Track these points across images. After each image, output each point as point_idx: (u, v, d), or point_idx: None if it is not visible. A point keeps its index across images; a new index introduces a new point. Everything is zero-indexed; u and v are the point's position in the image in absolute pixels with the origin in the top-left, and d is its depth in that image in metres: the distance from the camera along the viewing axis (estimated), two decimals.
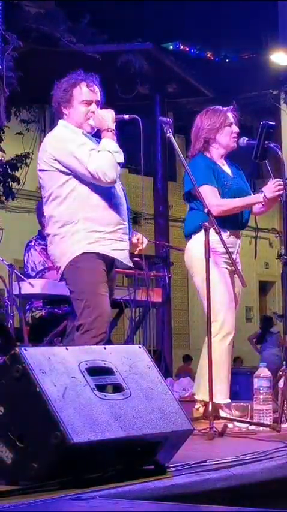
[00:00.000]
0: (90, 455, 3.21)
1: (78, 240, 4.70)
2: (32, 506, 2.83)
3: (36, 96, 13.32)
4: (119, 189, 4.84)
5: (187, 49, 14.03)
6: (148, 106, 13.25)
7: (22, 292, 6.15)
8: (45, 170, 4.77)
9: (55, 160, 4.71)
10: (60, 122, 4.88)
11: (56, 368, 3.32)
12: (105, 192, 4.73)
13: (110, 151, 4.66)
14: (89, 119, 4.81)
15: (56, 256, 4.80)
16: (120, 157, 4.69)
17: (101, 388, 3.40)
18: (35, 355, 3.30)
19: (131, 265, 4.87)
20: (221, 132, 5.46)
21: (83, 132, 4.81)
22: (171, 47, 13.91)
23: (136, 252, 5.07)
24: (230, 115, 5.52)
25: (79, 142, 4.71)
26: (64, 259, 4.73)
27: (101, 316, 4.65)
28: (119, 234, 4.76)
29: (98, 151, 4.67)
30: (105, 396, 3.38)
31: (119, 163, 4.68)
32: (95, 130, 4.83)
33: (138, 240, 5.03)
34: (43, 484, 3.14)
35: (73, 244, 4.70)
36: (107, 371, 3.50)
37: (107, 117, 4.75)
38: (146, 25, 12.89)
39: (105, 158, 4.64)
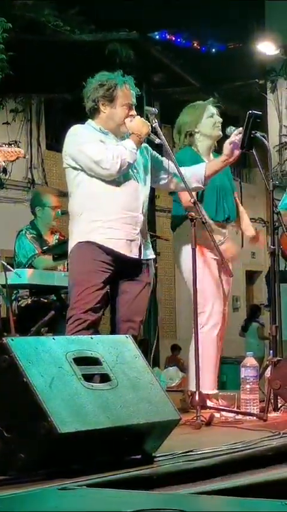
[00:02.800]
0: (78, 445, 3.22)
1: (78, 231, 4.81)
2: (19, 496, 2.84)
3: (23, 86, 13.27)
4: (132, 177, 4.85)
5: (173, 38, 13.98)
6: None
7: (9, 282, 6.14)
8: (65, 168, 4.91)
9: (67, 155, 4.84)
10: (88, 121, 4.94)
11: (43, 358, 3.32)
12: (112, 183, 4.78)
13: (125, 148, 4.74)
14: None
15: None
16: (131, 157, 4.74)
17: (88, 378, 3.41)
18: (22, 346, 3.30)
19: (134, 256, 4.82)
20: (201, 123, 5.49)
21: (101, 129, 4.85)
22: (157, 36, 13.86)
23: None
24: (211, 107, 5.55)
25: (93, 139, 4.78)
26: (69, 251, 4.87)
27: (77, 308, 4.71)
28: (119, 222, 4.77)
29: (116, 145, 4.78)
30: (92, 386, 3.39)
31: (128, 162, 4.72)
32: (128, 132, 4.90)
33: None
34: (31, 474, 3.15)
35: (73, 236, 4.84)
36: (94, 361, 3.51)
37: (143, 127, 4.82)
38: (132, 14, 12.82)
39: (116, 151, 4.71)
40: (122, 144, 4.78)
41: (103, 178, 4.75)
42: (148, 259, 4.93)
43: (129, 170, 4.82)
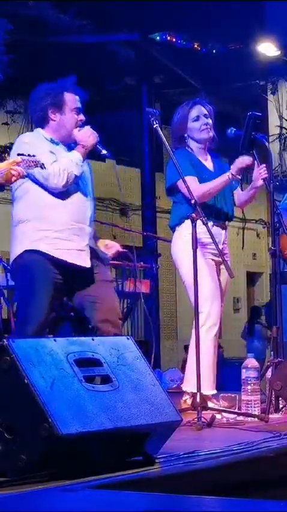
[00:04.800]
0: (79, 447, 3.22)
1: (24, 238, 4.76)
2: (21, 498, 2.84)
3: (22, 88, 13.26)
4: (80, 190, 4.85)
5: (174, 40, 13.98)
6: (135, 97, 13.22)
7: (9, 283, 6.15)
8: None
9: None
10: (37, 130, 4.92)
11: (44, 360, 3.32)
12: (61, 195, 4.76)
13: (72, 160, 4.73)
14: (77, 127, 4.84)
15: (11, 256, 4.86)
16: (78, 170, 4.73)
17: (89, 379, 3.41)
18: (23, 347, 3.30)
19: (86, 265, 4.78)
20: (187, 128, 5.50)
21: (52, 140, 4.84)
22: (158, 37, 13.86)
23: (111, 255, 5.07)
24: (197, 108, 5.51)
25: (44, 150, 4.72)
26: (12, 258, 4.81)
27: (28, 317, 4.70)
28: (66, 233, 4.74)
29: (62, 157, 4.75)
30: (93, 388, 3.39)
31: (75, 175, 4.72)
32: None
33: (106, 246, 5.04)
34: (32, 475, 3.15)
35: (20, 243, 4.77)
36: (95, 362, 3.51)
37: (90, 138, 4.81)
38: (133, 16, 12.83)
39: (63, 164, 4.69)
40: (68, 156, 4.75)
41: (50, 190, 4.74)
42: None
43: (79, 182, 4.82)
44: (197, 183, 5.36)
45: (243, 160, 5.30)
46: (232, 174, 5.31)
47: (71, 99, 4.84)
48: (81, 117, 4.85)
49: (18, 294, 4.84)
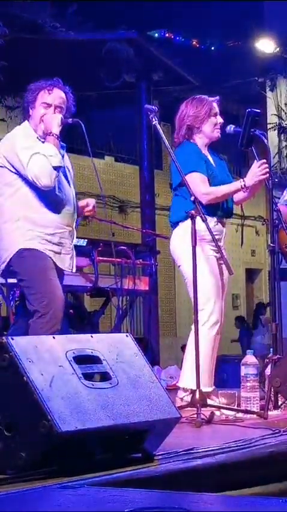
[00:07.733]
0: (78, 444, 3.22)
1: (18, 236, 4.79)
2: (20, 495, 2.84)
3: (20, 85, 13.26)
4: (67, 194, 4.90)
5: (172, 37, 13.98)
6: (133, 94, 13.21)
7: (8, 281, 6.14)
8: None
9: (4, 157, 4.83)
10: (24, 123, 4.97)
11: (43, 357, 3.32)
12: (49, 195, 4.80)
13: (45, 156, 4.74)
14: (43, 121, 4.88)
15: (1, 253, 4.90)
16: (56, 161, 4.74)
17: (88, 376, 3.41)
18: (22, 344, 3.30)
19: (67, 269, 4.91)
20: (206, 121, 5.46)
21: (37, 137, 4.87)
22: (156, 35, 13.87)
23: (86, 214, 5.14)
24: (215, 105, 5.52)
25: (25, 145, 4.78)
26: (6, 255, 4.82)
27: (53, 301, 4.74)
28: (57, 237, 4.82)
29: (35, 153, 4.75)
30: (92, 385, 3.39)
31: (55, 167, 4.73)
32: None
33: (87, 203, 5.12)
34: (31, 472, 3.15)
35: (13, 240, 4.80)
36: (94, 359, 3.51)
37: (53, 122, 4.83)
38: (131, 13, 12.83)
39: (40, 163, 4.71)
40: (42, 151, 4.75)
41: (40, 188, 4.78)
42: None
43: (66, 185, 4.86)
44: (207, 182, 5.34)
45: (264, 169, 5.29)
46: (245, 186, 5.32)
47: (43, 95, 4.88)
48: (49, 111, 4.85)
49: (30, 284, 4.82)
